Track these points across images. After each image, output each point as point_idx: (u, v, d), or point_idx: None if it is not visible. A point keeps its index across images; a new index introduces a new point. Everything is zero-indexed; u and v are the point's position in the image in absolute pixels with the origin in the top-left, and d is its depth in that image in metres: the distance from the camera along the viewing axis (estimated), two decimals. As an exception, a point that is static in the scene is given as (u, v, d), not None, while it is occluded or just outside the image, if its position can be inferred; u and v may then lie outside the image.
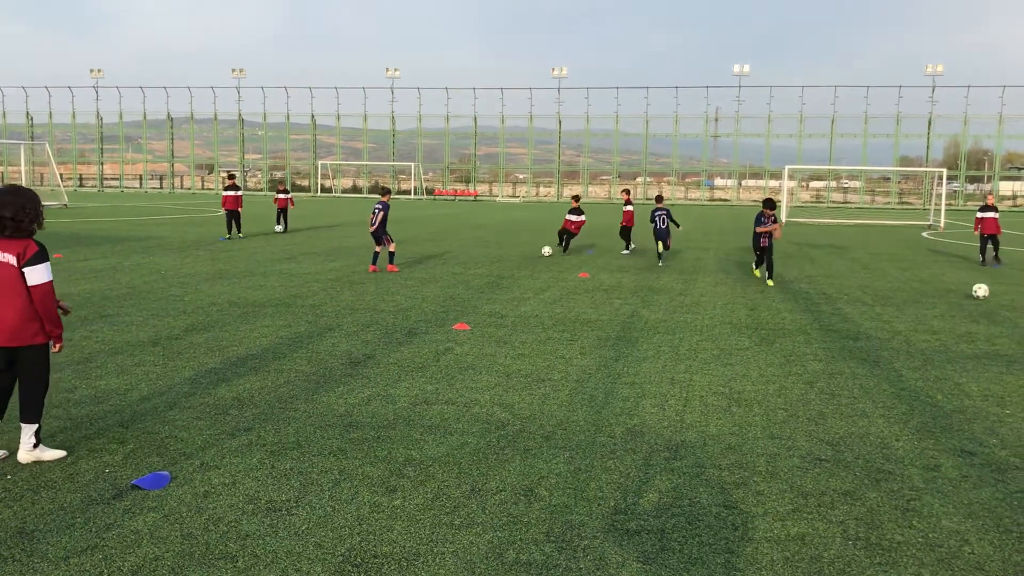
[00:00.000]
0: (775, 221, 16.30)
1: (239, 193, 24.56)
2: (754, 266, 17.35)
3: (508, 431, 6.47)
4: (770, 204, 16.26)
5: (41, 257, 5.43)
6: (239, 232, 24.46)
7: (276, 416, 6.74)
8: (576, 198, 22.57)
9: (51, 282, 5.47)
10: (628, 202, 23.48)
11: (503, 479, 5.44)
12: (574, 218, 22.05)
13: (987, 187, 73.09)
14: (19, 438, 5.65)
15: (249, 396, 7.32)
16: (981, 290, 14.74)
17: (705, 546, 4.53)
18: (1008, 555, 4.51)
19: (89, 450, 5.81)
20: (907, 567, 4.34)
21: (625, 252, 22.30)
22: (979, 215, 21.62)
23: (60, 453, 5.67)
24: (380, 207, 17.00)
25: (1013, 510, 5.11)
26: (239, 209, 24.48)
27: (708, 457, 5.96)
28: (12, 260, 5.38)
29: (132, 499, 4.98)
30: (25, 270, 5.37)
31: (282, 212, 27.86)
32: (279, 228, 27.63)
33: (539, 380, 8.12)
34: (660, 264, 19.41)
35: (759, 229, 16.40)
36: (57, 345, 5.63)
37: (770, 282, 16.10)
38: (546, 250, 20.94)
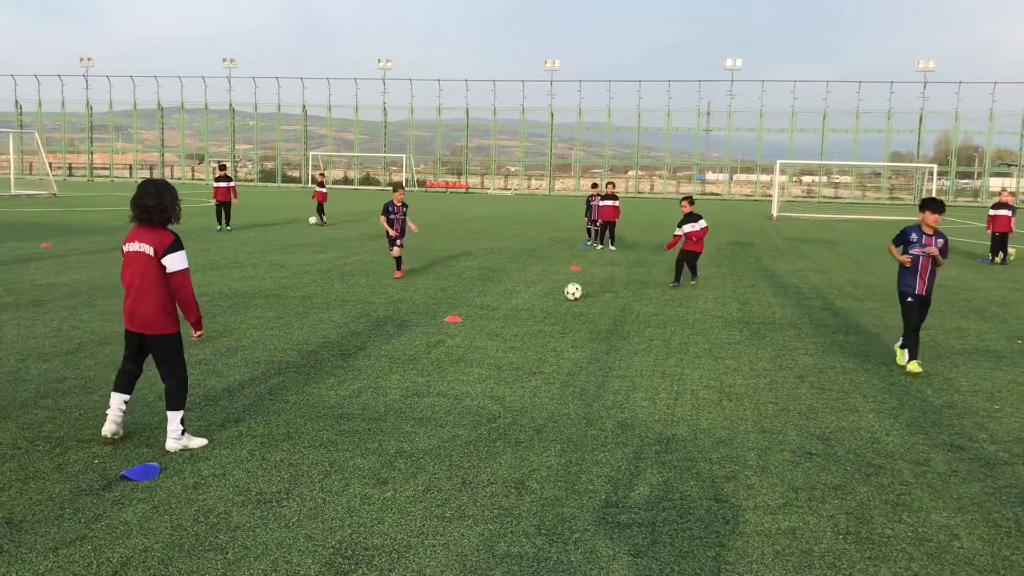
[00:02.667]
0: (944, 240, 8.64)
1: (231, 184, 24.52)
2: (900, 344, 8.86)
3: (499, 424, 6.46)
4: (937, 206, 8.53)
5: (178, 246, 5.60)
6: (227, 224, 24.37)
7: (266, 408, 6.71)
8: (690, 201, 15.26)
9: (188, 270, 5.64)
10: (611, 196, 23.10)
11: (494, 472, 5.44)
12: (690, 228, 14.91)
13: (978, 183, 73.42)
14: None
15: (239, 387, 7.29)
16: (574, 290, 12.74)
17: (695, 539, 4.53)
18: (997, 549, 4.53)
19: (78, 440, 5.77)
20: (897, 561, 4.36)
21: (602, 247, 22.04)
22: (992, 212, 20.26)
23: (203, 441, 5.80)
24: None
25: (1002, 505, 5.13)
26: (231, 200, 24.44)
27: (699, 451, 5.97)
28: (150, 250, 5.52)
29: (121, 490, 4.96)
30: (164, 259, 5.51)
31: (321, 205, 28.33)
32: (313, 220, 28.07)
33: (530, 373, 8.11)
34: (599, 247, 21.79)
35: (915, 251, 8.56)
36: (197, 332, 5.77)
37: (915, 366, 8.47)
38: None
